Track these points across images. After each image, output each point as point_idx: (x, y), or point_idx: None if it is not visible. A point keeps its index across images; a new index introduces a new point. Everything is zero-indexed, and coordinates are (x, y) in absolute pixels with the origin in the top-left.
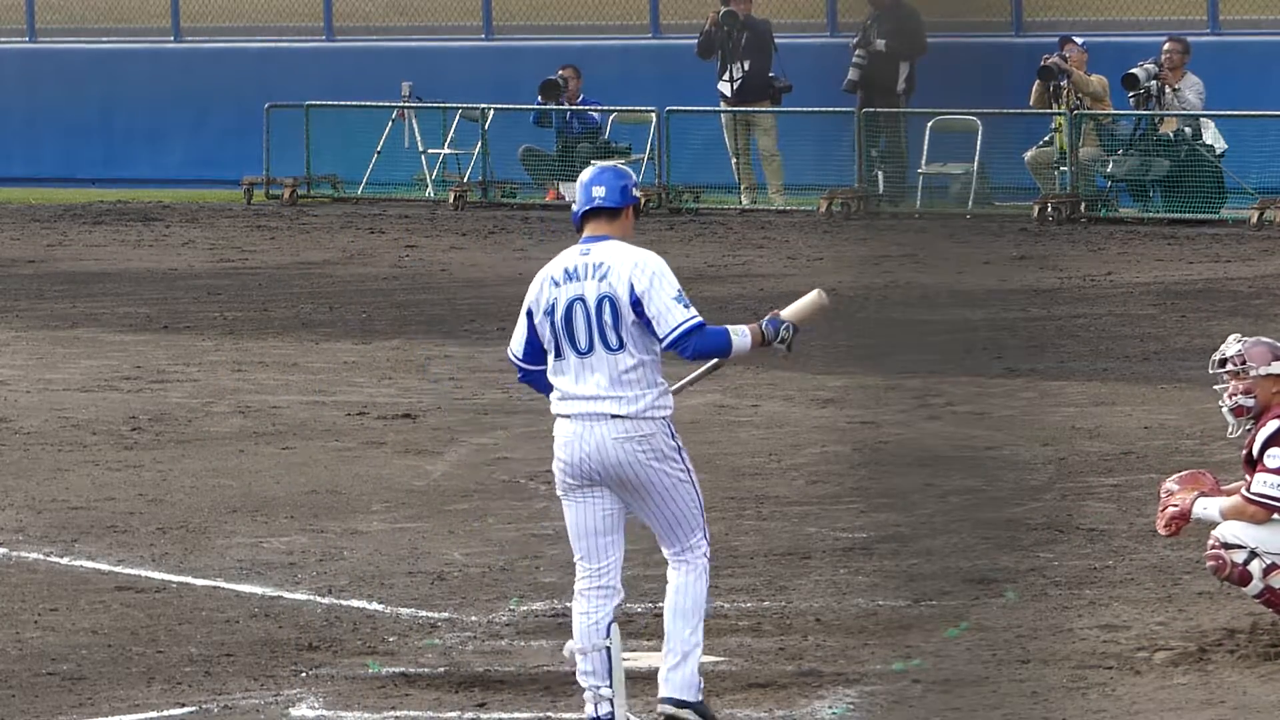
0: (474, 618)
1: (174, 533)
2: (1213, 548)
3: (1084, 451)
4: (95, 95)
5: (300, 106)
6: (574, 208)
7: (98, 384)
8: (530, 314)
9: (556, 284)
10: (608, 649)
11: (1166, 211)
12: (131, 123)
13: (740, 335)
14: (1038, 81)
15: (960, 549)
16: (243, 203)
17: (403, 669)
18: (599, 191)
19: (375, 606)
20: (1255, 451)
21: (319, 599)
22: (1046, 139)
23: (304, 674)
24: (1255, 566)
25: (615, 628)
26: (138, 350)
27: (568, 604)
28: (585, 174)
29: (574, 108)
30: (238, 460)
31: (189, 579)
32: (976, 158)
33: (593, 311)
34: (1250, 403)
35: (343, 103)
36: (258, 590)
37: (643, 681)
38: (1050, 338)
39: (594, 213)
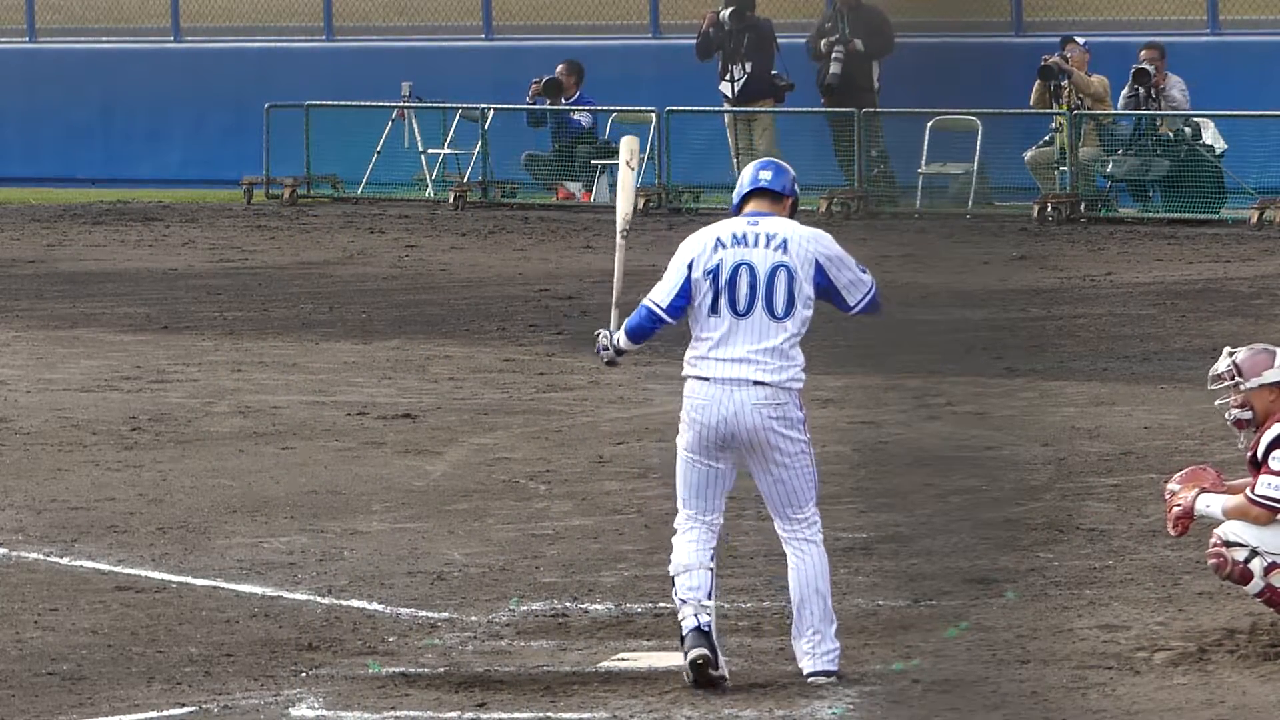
0: (474, 618)
1: (174, 533)
2: (1214, 546)
3: (1084, 451)
4: (95, 95)
5: (300, 106)
6: (737, 189)
7: (98, 384)
8: (690, 267)
9: (723, 245)
10: (711, 570)
11: (1166, 211)
12: (131, 123)
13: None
14: (1039, 81)
15: (960, 549)
16: (243, 203)
17: (403, 669)
18: (766, 175)
19: (375, 606)
20: (1260, 454)
21: (319, 599)
22: (1046, 139)
23: (304, 674)
24: (1256, 565)
25: (715, 559)
26: (138, 350)
27: (567, 604)
28: (751, 163)
29: (565, 107)
30: (238, 460)
31: (189, 579)
32: (976, 158)
33: (761, 278)
34: (1248, 415)
35: (343, 103)
36: (258, 590)
37: (643, 683)
38: (1050, 338)
39: (758, 193)
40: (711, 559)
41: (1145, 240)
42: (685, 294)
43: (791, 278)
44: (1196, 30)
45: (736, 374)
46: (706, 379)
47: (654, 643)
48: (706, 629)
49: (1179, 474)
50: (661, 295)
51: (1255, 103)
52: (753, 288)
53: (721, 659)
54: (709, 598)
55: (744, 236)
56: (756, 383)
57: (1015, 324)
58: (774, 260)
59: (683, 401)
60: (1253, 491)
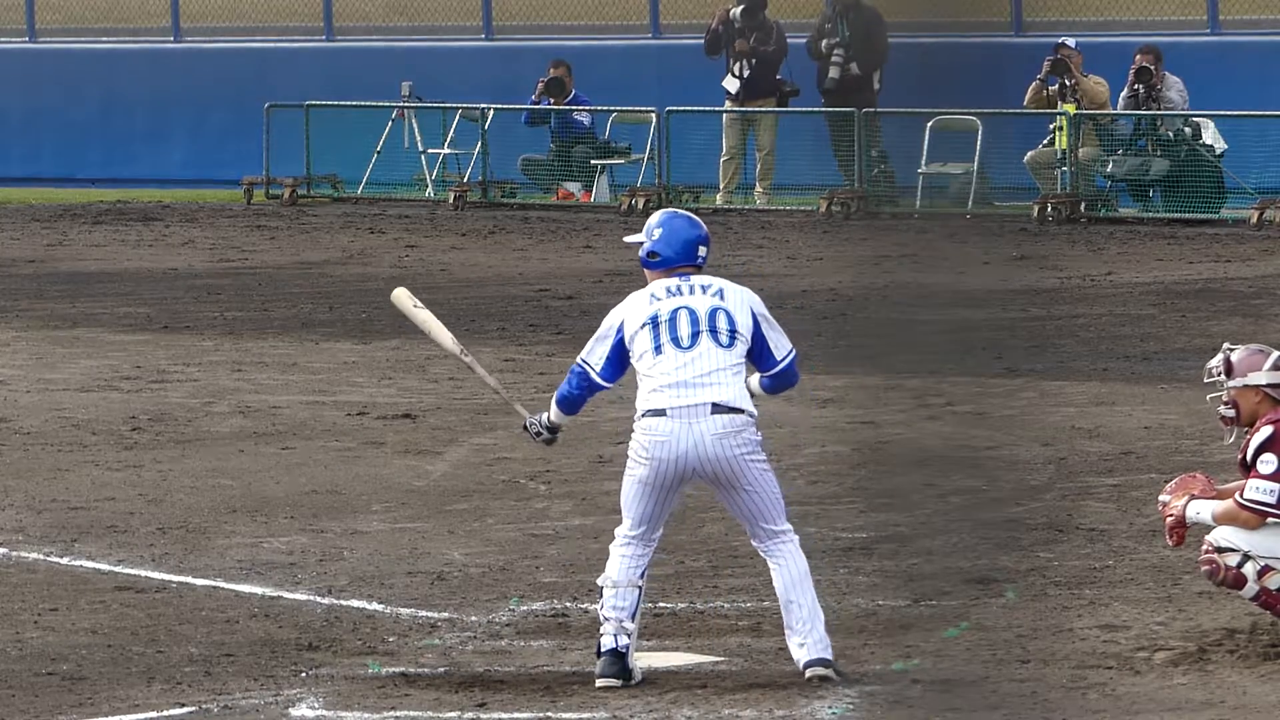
0: (474, 618)
1: (174, 533)
2: (1206, 552)
3: (1084, 451)
4: (95, 95)
5: (300, 106)
6: (659, 248)
7: (98, 384)
8: (620, 329)
9: (657, 299)
10: (639, 588)
11: (1166, 211)
12: (131, 123)
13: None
14: (1036, 81)
15: (960, 549)
16: (243, 203)
17: (403, 669)
18: (703, 252)
19: (375, 606)
20: (1249, 457)
21: (319, 599)
22: (1047, 139)
23: (304, 674)
24: (1249, 569)
25: (646, 577)
26: (138, 350)
27: (567, 604)
28: (678, 225)
29: (565, 107)
30: (238, 460)
31: (189, 579)
32: (976, 157)
33: (703, 317)
34: (1232, 413)
35: (343, 103)
36: (258, 590)
37: (643, 682)
38: (1050, 338)
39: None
40: (642, 576)
41: (1145, 240)
42: (617, 359)
43: (731, 318)
44: (1197, 30)
45: (694, 399)
46: (663, 412)
47: (653, 643)
48: (623, 650)
49: (1169, 484)
50: (594, 359)
51: (1255, 103)
52: (694, 324)
53: (634, 664)
54: (631, 619)
55: (678, 289)
56: (715, 407)
57: (1015, 324)
58: (712, 304)
59: (633, 440)
60: (1242, 495)
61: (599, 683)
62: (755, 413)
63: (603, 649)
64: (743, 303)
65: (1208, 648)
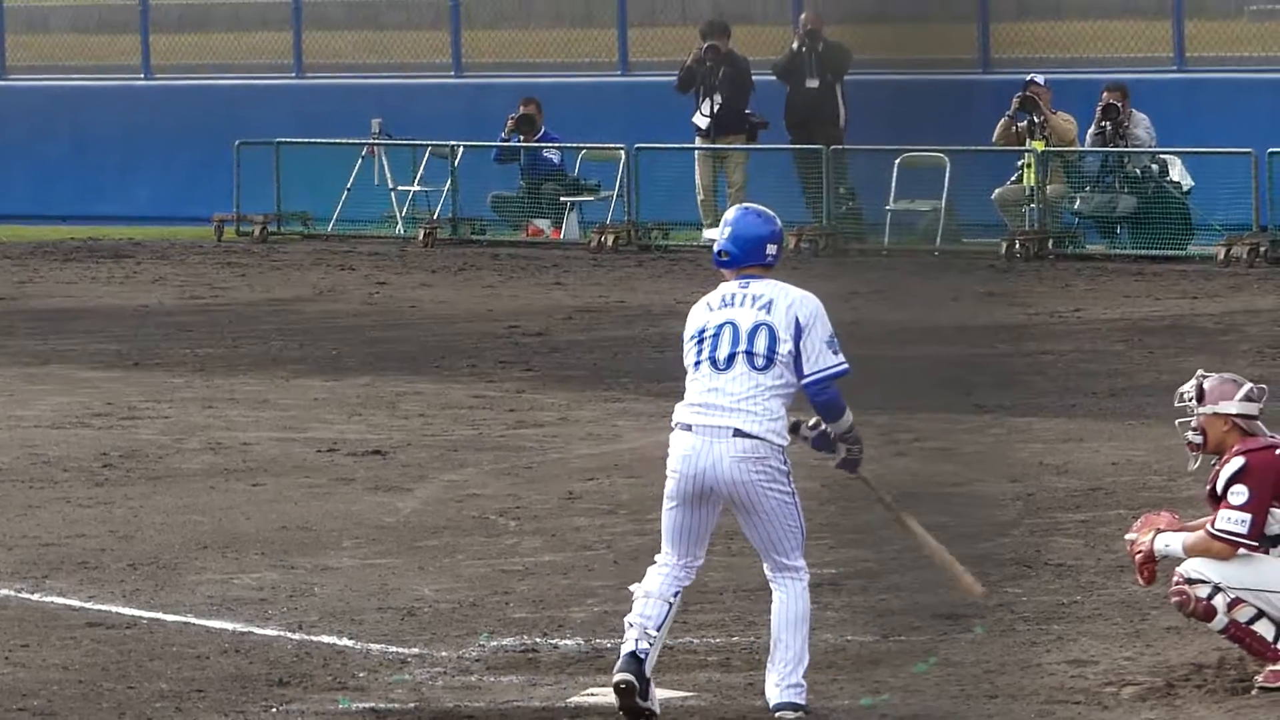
0: (444, 653)
1: (145, 569)
2: (1177, 584)
3: (1052, 487)
4: (66, 132)
5: (270, 143)
6: (727, 246)
7: (69, 421)
8: (689, 340)
9: (711, 309)
10: (670, 604)
11: (1134, 248)
12: (102, 159)
13: (847, 410)
14: (1005, 118)
15: (928, 584)
16: (213, 240)
17: (373, 704)
18: (773, 250)
19: (345, 642)
20: (1219, 488)
21: (289, 635)
22: (1015, 176)
23: (275, 709)
24: (1219, 601)
25: (680, 598)
26: (109, 387)
27: (537, 639)
28: (748, 223)
29: (535, 144)
30: (208, 497)
31: (160, 615)
32: (944, 194)
33: (743, 335)
34: (1199, 439)
35: (313, 140)
36: (228, 626)
37: (612, 718)
38: (1018, 374)
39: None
40: (675, 594)
41: (1113, 277)
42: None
43: (772, 335)
44: (1164, 68)
45: (718, 422)
46: (689, 428)
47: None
48: (643, 656)
49: (1135, 524)
50: (688, 363)
51: (1222, 140)
52: (735, 343)
53: (653, 692)
54: (657, 629)
55: (732, 299)
56: (738, 432)
57: (983, 360)
58: (756, 319)
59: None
60: (1213, 526)
61: (616, 677)
62: (784, 442)
63: (623, 652)
64: (789, 314)
65: (1175, 683)
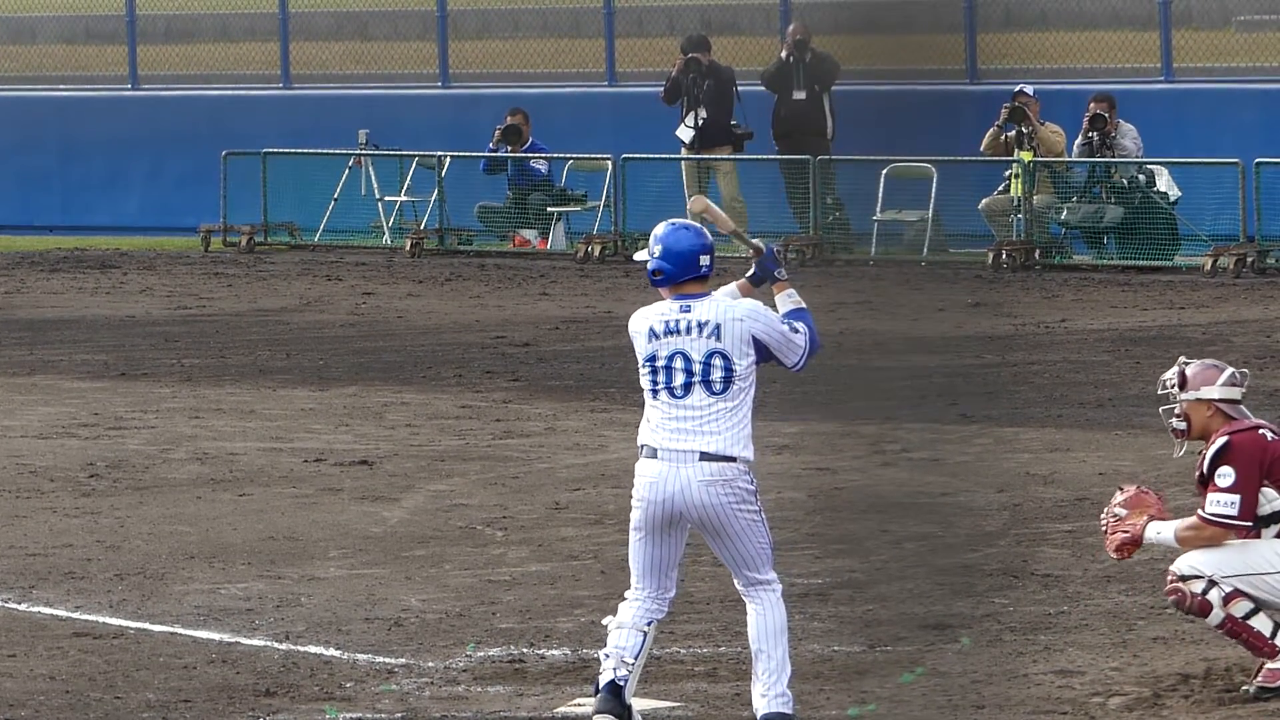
0: (431, 663)
1: (131, 579)
2: (1171, 581)
3: (1038, 497)
4: (52, 142)
5: (258, 154)
6: (661, 265)
7: (55, 431)
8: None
9: (655, 336)
10: (645, 634)
11: (1121, 258)
12: (89, 170)
13: (803, 320)
14: (994, 128)
15: (915, 595)
16: (200, 250)
17: (360, 714)
18: (706, 261)
19: (332, 652)
20: (1205, 470)
21: (276, 645)
22: (1002, 186)
23: (261, 719)
24: (1214, 596)
25: (654, 628)
26: (95, 397)
27: (524, 649)
28: (678, 238)
29: (522, 155)
30: (195, 507)
31: (146, 625)
32: (931, 204)
33: (697, 364)
34: (1183, 426)
35: (300, 150)
36: (215, 636)
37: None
38: (1005, 384)
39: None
40: (649, 624)
41: (1099, 287)
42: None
43: (726, 360)
44: (1151, 78)
45: (683, 446)
46: (655, 453)
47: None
48: (622, 683)
49: (1123, 497)
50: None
51: (1209, 150)
52: (689, 374)
53: (634, 715)
54: (634, 658)
55: (676, 325)
56: (703, 455)
57: (970, 370)
58: (708, 348)
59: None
60: (1204, 511)
61: (596, 717)
62: (749, 458)
63: (601, 684)
64: (744, 335)
65: (1162, 693)
